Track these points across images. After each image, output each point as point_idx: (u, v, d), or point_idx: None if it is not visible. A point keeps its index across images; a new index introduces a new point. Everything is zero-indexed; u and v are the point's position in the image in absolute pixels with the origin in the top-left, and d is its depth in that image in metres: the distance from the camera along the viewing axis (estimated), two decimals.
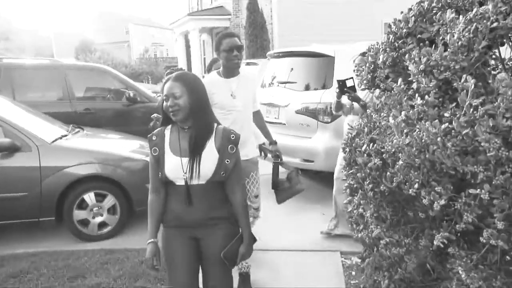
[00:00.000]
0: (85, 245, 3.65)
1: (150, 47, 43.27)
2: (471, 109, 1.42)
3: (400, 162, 1.57)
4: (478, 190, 1.37)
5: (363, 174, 1.83)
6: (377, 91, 1.92)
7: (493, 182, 1.34)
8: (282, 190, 3.04)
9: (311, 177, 5.31)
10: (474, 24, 1.55)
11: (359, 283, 2.91)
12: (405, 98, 1.64)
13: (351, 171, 1.94)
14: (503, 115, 1.35)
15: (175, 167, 1.86)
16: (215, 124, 1.95)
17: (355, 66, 3.02)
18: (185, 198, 1.86)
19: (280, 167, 3.08)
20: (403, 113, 1.61)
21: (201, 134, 1.88)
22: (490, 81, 1.56)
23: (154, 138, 1.93)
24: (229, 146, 1.90)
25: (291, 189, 3.03)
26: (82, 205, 3.72)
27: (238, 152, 1.94)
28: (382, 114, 1.83)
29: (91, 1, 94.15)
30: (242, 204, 1.97)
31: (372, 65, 1.92)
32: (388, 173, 1.66)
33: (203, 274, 2.02)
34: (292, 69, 4.85)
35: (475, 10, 1.58)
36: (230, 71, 2.77)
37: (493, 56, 1.66)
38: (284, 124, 4.66)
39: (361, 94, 3.21)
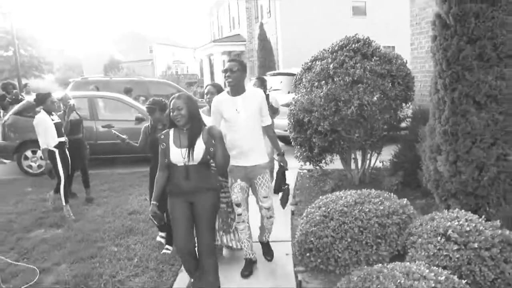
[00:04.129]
0: None
1: (171, 64, 44.46)
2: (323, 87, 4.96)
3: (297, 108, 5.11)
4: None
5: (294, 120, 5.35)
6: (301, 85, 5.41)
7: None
8: (282, 197, 3.35)
9: None
10: (333, 61, 5.07)
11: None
12: (308, 84, 5.17)
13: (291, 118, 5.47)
14: (335, 87, 4.86)
15: (177, 155, 2.54)
16: (203, 126, 2.63)
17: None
18: (184, 174, 2.55)
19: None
20: (303, 90, 5.16)
21: (195, 133, 2.56)
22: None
23: (162, 137, 2.62)
24: (212, 140, 2.58)
25: (284, 193, 3.36)
26: None
27: (217, 142, 2.57)
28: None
29: (113, 21, 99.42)
30: (222, 157, 2.61)
31: (299, 77, 5.48)
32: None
33: (195, 232, 2.64)
34: (281, 81, 8.44)
35: (334, 58, 5.09)
36: (233, 89, 2.98)
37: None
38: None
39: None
